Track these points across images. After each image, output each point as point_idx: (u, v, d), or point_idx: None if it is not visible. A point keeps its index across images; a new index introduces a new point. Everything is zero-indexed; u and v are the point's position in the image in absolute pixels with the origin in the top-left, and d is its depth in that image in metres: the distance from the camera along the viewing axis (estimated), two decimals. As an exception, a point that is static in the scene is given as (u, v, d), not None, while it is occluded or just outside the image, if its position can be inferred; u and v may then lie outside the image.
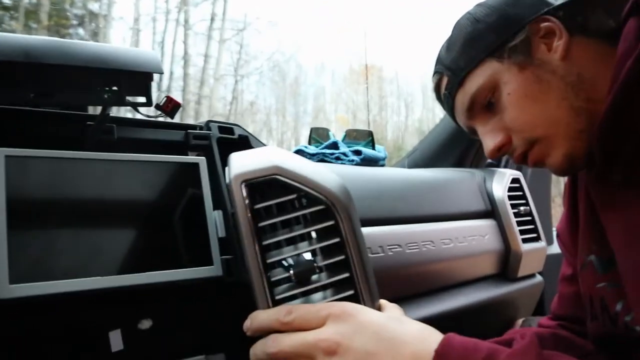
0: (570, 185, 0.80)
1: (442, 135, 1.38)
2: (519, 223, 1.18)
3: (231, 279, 0.69)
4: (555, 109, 0.64)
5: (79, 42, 0.63)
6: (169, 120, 0.73)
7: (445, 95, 0.73)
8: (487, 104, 0.68)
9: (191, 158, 0.71)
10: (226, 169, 0.56)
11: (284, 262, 0.57)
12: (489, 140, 0.69)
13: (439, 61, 0.74)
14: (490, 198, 1.19)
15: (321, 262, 0.56)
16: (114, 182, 0.64)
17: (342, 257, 0.56)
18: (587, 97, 0.62)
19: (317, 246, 0.56)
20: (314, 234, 0.58)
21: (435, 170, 1.28)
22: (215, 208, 0.71)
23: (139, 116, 0.73)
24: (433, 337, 0.50)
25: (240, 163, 0.55)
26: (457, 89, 0.70)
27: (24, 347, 0.58)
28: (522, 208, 1.20)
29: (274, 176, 0.54)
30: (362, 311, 0.52)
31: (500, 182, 1.21)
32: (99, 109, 0.68)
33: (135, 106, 0.67)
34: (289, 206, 0.56)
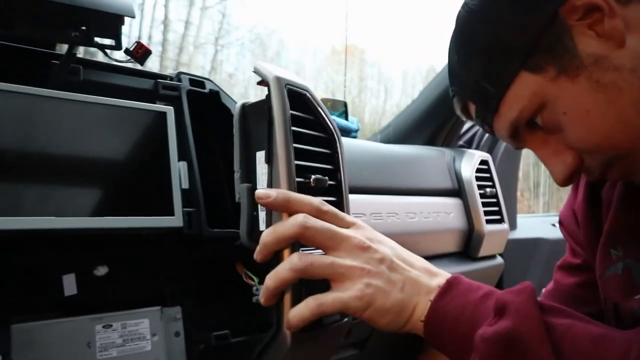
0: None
1: (415, 114, 1.38)
2: (484, 204, 1.20)
3: (191, 231, 0.68)
4: (636, 115, 0.48)
5: (47, -25, 0.61)
6: (138, 67, 0.72)
7: (479, 121, 0.57)
8: (534, 124, 0.53)
9: (159, 107, 0.69)
10: (257, 69, 0.57)
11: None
12: (557, 166, 0.54)
13: (455, 80, 0.57)
14: (458, 177, 1.21)
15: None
16: (78, 124, 0.62)
17: (334, 182, 0.60)
18: None
19: (326, 166, 0.60)
20: None
21: (405, 146, 1.29)
22: (180, 159, 0.70)
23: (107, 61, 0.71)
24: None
25: (276, 70, 0.57)
26: (491, 117, 0.55)
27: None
28: (488, 190, 1.22)
29: (306, 92, 0.58)
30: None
31: (469, 163, 1.22)
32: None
33: (103, 48, 0.65)
34: (308, 124, 0.60)
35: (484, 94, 0.53)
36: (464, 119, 0.60)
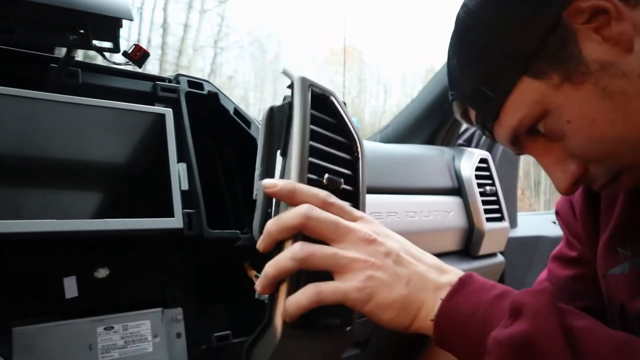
0: None
1: (415, 113, 1.38)
2: (484, 202, 1.20)
3: (191, 233, 0.68)
4: None
5: (45, -21, 0.61)
6: (137, 69, 0.72)
7: (479, 127, 0.56)
8: (536, 130, 0.51)
9: (158, 109, 0.70)
10: (285, 70, 0.59)
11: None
12: (559, 174, 0.52)
13: (454, 85, 0.55)
14: (457, 176, 1.21)
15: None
16: (77, 127, 0.63)
17: (351, 188, 0.60)
18: None
19: (345, 171, 0.60)
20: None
21: (405, 145, 1.29)
22: (179, 161, 0.70)
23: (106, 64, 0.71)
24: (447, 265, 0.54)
25: (301, 72, 0.58)
26: (491, 124, 0.53)
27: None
28: (488, 188, 1.22)
29: (330, 96, 0.60)
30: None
31: (469, 161, 1.22)
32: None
33: (101, 51, 0.66)
34: (329, 127, 0.60)
35: (484, 100, 0.51)
36: (464, 123, 0.59)
